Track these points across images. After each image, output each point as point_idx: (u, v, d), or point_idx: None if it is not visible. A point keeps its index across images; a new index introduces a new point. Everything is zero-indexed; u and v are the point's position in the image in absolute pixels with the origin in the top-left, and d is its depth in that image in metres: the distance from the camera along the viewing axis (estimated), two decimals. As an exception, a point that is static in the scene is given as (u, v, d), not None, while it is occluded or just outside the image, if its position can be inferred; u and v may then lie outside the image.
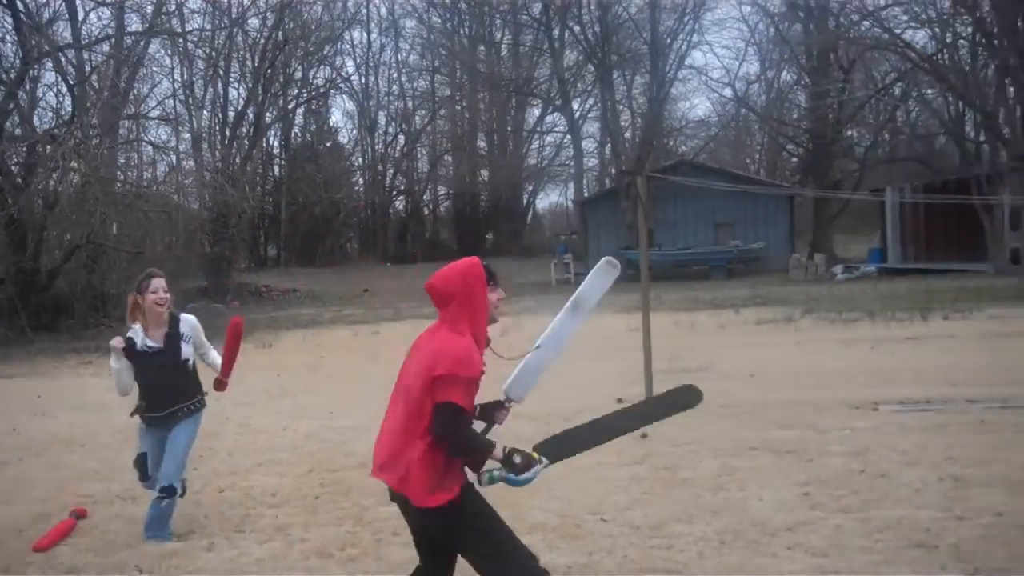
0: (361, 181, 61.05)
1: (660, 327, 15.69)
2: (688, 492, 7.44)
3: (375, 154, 60.70)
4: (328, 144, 57.51)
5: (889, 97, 47.06)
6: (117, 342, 6.66)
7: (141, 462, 6.92)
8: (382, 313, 30.18)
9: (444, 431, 4.23)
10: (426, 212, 64.00)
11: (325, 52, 51.92)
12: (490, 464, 4.33)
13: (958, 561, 5.62)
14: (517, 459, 4.32)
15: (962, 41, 32.71)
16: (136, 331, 6.76)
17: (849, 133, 49.93)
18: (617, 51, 48.70)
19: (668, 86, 50.00)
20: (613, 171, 54.29)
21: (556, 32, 49.71)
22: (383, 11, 68.95)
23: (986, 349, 15.60)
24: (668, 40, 48.00)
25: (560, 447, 4.59)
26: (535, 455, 4.37)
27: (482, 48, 59.66)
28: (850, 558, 5.78)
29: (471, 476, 4.39)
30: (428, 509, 4.26)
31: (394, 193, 61.69)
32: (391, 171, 61.56)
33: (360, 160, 61.49)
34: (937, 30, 31.26)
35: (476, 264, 4.48)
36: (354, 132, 62.07)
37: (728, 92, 55.48)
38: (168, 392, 6.85)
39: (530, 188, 64.37)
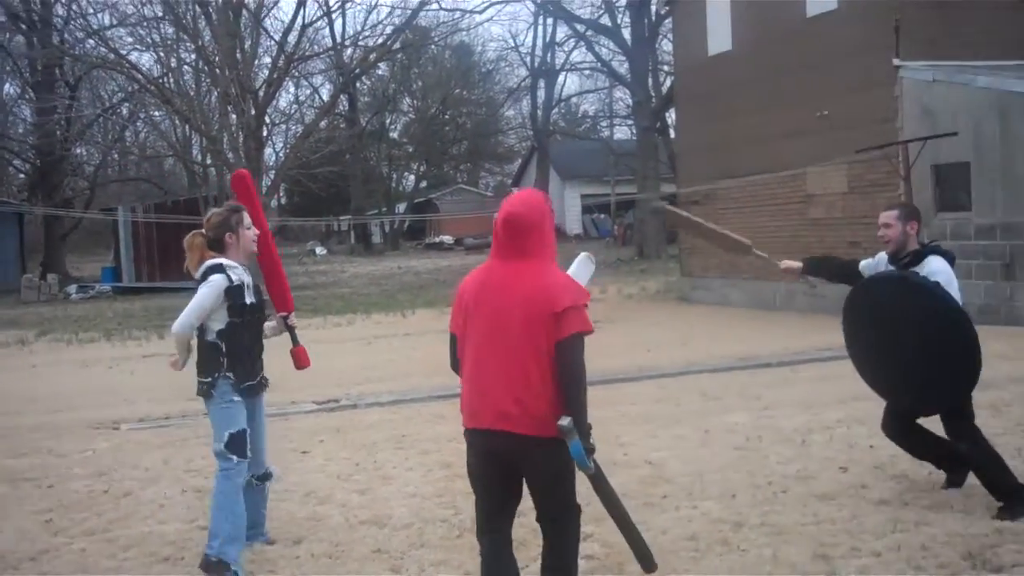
0: None
1: None
2: (-85, 535, 6.80)
3: None
4: None
5: (117, 117, 47.06)
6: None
7: (244, 438, 5.77)
8: None
9: (576, 362, 4.29)
10: None
11: None
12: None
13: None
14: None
15: (187, 67, 33.84)
16: (238, 271, 5.82)
17: (78, 151, 49.02)
18: None
19: None
20: None
21: None
22: None
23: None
24: None
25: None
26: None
27: None
28: (98, 580, 5.72)
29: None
30: (549, 441, 4.26)
31: None
32: None
33: None
34: (162, 54, 31.99)
35: (544, 193, 4.51)
36: None
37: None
38: (259, 354, 6.04)
39: None
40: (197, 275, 5.89)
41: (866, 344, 6.46)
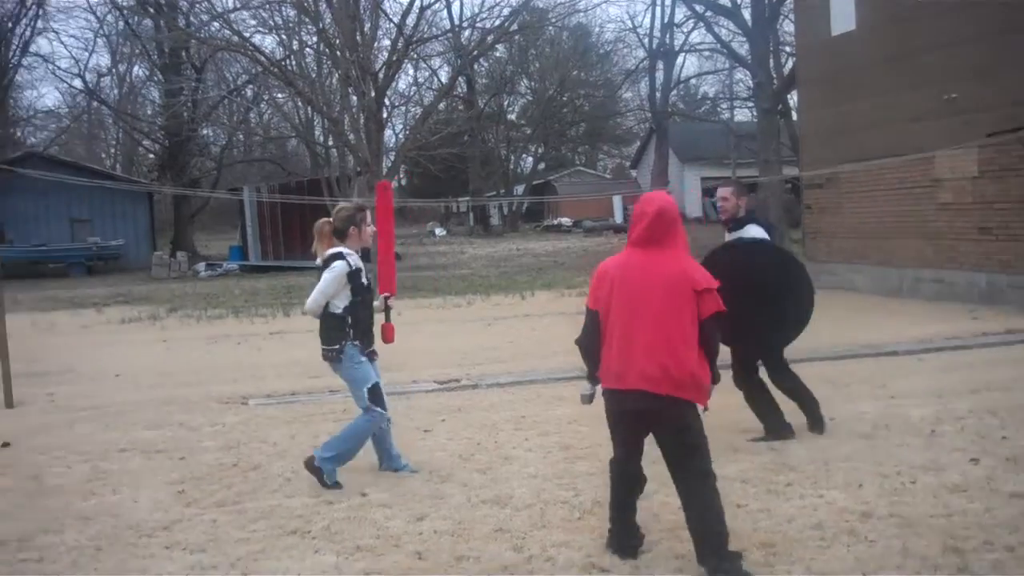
0: None
1: (16, 329, 14.70)
2: (58, 500, 7.08)
3: None
4: None
5: (242, 98, 48.09)
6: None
7: (380, 390, 7.15)
8: None
9: (717, 337, 5.24)
10: None
11: None
12: None
13: (330, 543, 5.95)
14: None
15: (308, 49, 34.35)
16: (355, 258, 7.03)
17: (205, 132, 50.27)
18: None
19: (12, 73, 46.83)
20: (-47, 162, 49.76)
21: None
22: None
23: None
24: (10, 24, 44.90)
25: None
26: None
27: None
28: (227, 550, 5.87)
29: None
30: (680, 403, 5.12)
31: None
32: None
33: None
34: (284, 37, 32.55)
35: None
36: None
37: (78, 83, 53.23)
38: (372, 327, 7.23)
39: None
40: (320, 260, 7.13)
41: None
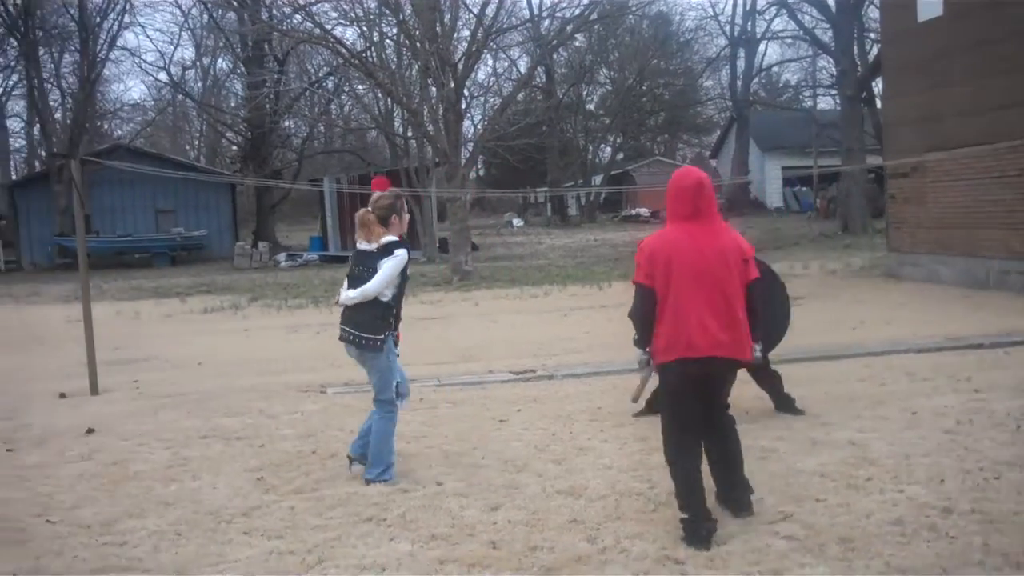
0: None
1: (102, 317, 15.06)
2: (140, 486, 7.23)
3: None
4: None
5: (323, 90, 48.52)
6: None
7: (405, 384, 7.23)
8: None
9: (761, 299, 5.73)
10: None
11: None
12: None
13: (405, 531, 5.98)
14: None
15: (388, 41, 34.52)
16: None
17: (286, 123, 50.84)
18: (42, 26, 45.63)
19: (100, 67, 47.79)
20: (44, 153, 50.97)
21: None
22: None
23: (421, 331, 16.67)
24: (98, 18, 45.81)
25: None
26: None
27: None
28: (304, 537, 5.94)
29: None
30: (739, 363, 5.70)
31: None
32: None
33: None
34: (365, 28, 32.72)
35: None
36: None
37: (164, 76, 54.21)
38: None
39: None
40: (375, 246, 7.04)
41: None
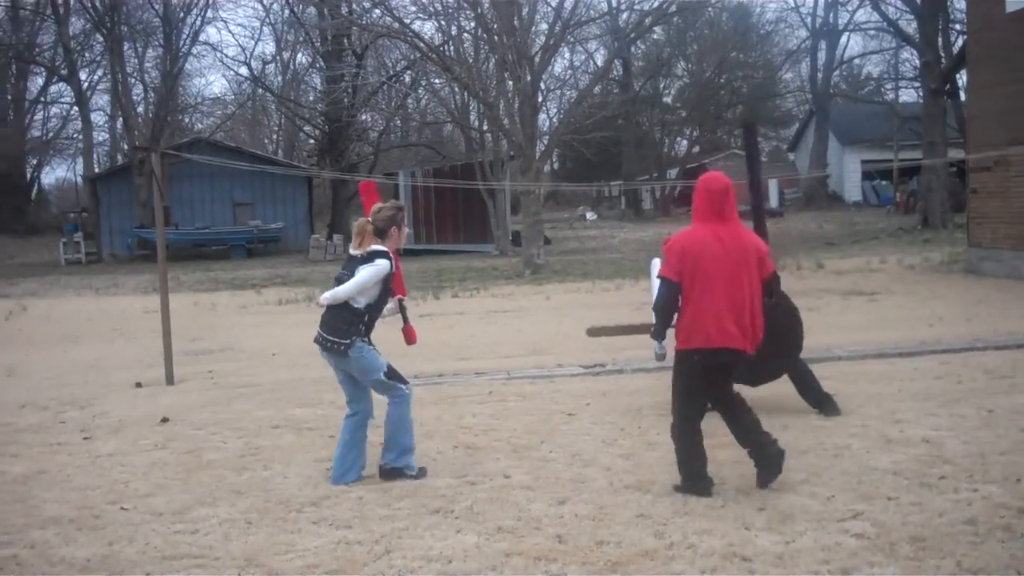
0: None
1: (179, 308, 15.32)
2: (212, 474, 7.34)
3: None
4: None
5: (400, 84, 48.78)
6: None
7: (394, 368, 7.11)
8: None
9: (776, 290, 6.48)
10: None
11: None
12: None
13: (472, 523, 5.99)
14: None
15: (466, 35, 34.60)
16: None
17: (363, 117, 51.21)
18: (127, 22, 46.53)
19: (182, 61, 48.62)
20: (126, 146, 52.01)
21: (60, -3, 46.53)
22: None
23: (492, 324, 16.71)
24: (181, 14, 46.58)
25: None
26: None
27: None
28: (372, 527, 5.98)
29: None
30: (746, 354, 6.24)
31: None
32: None
33: None
34: (443, 22, 32.85)
35: None
36: None
37: (244, 71, 54.90)
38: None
39: (34, 162, 60.12)
40: (361, 252, 7.01)
41: None
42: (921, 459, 6.85)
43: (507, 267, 28.60)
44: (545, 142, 35.63)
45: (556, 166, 71.33)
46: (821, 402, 8.58)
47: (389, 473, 7.03)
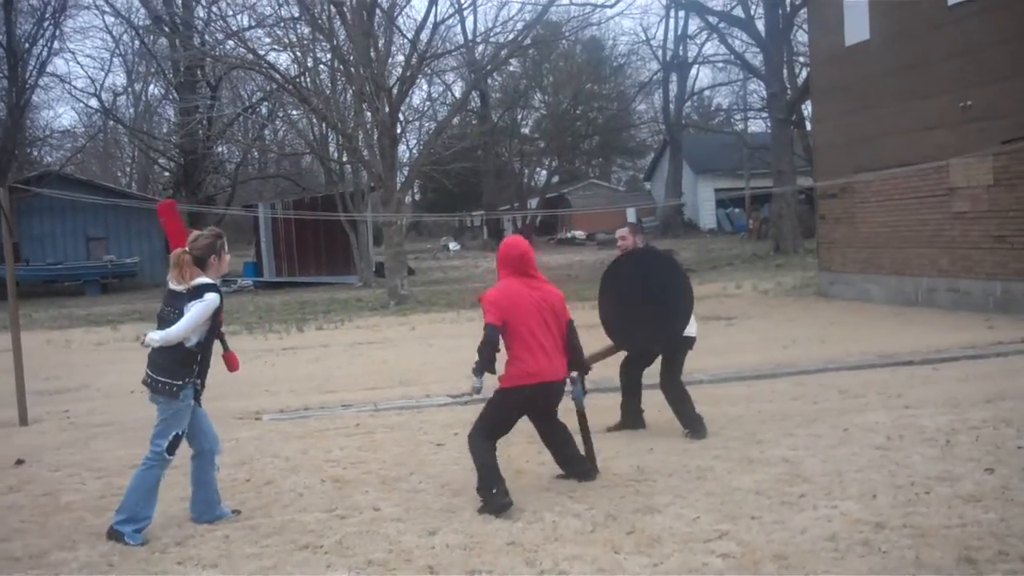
0: None
1: (32, 346, 14.79)
2: (71, 517, 7.10)
3: None
4: None
5: (257, 115, 48.23)
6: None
7: (179, 441, 6.67)
8: None
9: (576, 332, 7.33)
10: None
11: None
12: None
13: (342, 557, 5.94)
14: None
15: (323, 66, 34.44)
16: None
17: (220, 149, 50.44)
18: (-31, 52, 44.94)
19: (29, 93, 47.10)
20: (-31, 181, 50.05)
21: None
22: None
23: (357, 356, 16.59)
24: (27, 44, 45.19)
25: None
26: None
27: None
28: (239, 566, 5.88)
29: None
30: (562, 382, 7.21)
31: None
32: None
33: None
34: (298, 54, 32.64)
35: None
36: None
37: (94, 103, 53.49)
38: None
39: None
40: (184, 288, 6.61)
41: (621, 298, 8.89)
42: (781, 478, 7.06)
43: (371, 298, 28.46)
44: (406, 173, 35.68)
45: (418, 197, 71.37)
46: (693, 424, 8.76)
47: (112, 534, 6.45)
